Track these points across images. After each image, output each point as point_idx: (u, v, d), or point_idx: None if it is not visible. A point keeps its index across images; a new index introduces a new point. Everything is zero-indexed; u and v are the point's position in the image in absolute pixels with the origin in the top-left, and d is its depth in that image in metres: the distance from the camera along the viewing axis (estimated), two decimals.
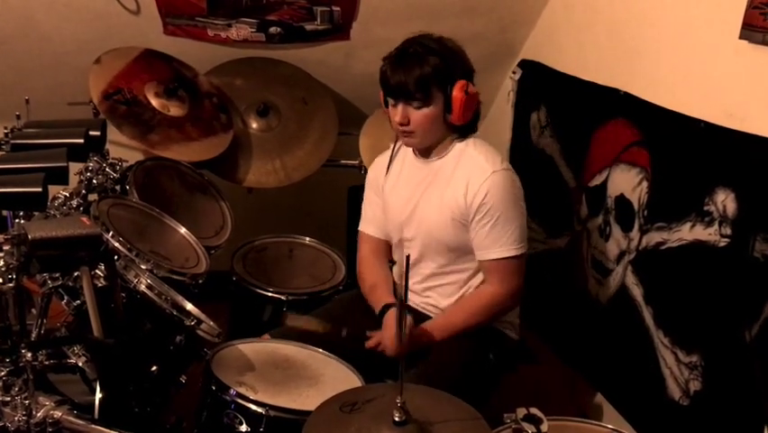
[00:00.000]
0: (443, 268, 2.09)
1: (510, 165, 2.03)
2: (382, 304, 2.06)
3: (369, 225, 2.24)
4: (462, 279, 2.09)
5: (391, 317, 1.99)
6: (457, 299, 2.09)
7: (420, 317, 2.10)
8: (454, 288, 2.10)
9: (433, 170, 2.06)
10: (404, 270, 1.39)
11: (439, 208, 2.03)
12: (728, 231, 1.83)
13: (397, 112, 1.97)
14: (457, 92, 1.94)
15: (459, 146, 2.04)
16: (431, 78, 1.92)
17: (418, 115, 1.96)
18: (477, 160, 2.00)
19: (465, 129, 2.04)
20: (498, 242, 1.98)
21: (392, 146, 2.19)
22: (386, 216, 2.18)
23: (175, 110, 2.58)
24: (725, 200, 1.84)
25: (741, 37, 1.78)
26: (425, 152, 2.08)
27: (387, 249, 2.22)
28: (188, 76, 2.71)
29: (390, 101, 1.99)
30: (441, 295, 2.11)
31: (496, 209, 1.96)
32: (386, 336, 1.98)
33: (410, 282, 2.09)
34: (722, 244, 1.85)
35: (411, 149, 2.11)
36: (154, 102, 2.55)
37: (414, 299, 2.14)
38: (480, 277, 2.08)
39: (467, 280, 2.09)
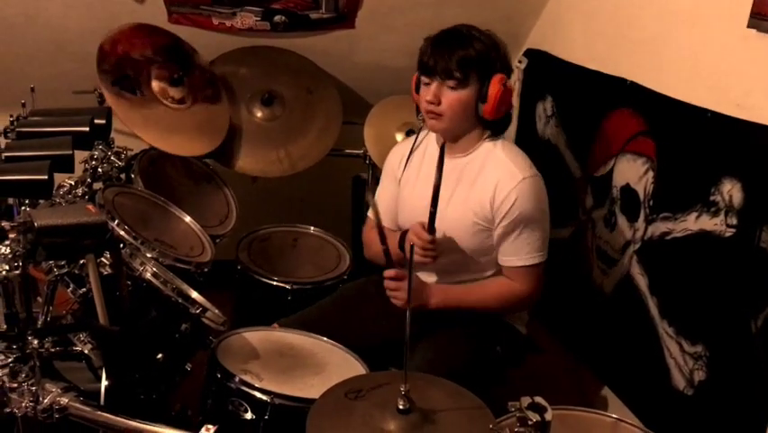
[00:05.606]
0: (456, 267, 2.05)
1: (537, 170, 1.97)
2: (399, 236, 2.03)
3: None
4: (474, 279, 2.06)
5: (416, 225, 1.94)
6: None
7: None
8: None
9: (457, 169, 1.99)
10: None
11: (461, 211, 1.98)
12: (734, 221, 1.82)
13: (430, 90, 1.91)
14: (495, 83, 1.89)
15: (487, 146, 1.98)
16: (473, 61, 1.87)
17: (451, 96, 1.90)
18: (506, 164, 1.94)
19: (495, 127, 1.99)
20: (523, 250, 1.96)
21: (414, 137, 2.14)
22: (399, 208, 2.14)
23: (176, 94, 2.55)
24: (731, 190, 1.83)
25: (749, 26, 1.77)
26: (450, 145, 1.99)
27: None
28: (186, 49, 2.66)
29: (424, 80, 1.93)
30: None
31: (523, 217, 1.92)
32: (402, 285, 1.93)
33: (422, 279, 2.09)
34: (728, 235, 1.84)
35: (435, 142, 2.05)
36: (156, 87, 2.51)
37: None
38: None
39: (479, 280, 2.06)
